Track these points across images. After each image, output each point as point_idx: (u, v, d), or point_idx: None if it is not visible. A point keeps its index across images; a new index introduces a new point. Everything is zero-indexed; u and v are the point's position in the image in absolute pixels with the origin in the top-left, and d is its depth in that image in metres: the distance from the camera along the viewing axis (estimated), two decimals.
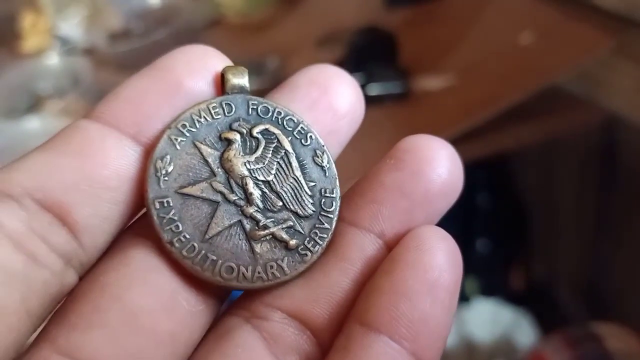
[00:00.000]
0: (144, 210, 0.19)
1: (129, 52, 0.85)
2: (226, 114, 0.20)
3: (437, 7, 0.81)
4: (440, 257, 0.19)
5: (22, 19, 0.95)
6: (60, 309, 0.18)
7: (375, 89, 0.65)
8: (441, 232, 0.19)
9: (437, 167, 0.20)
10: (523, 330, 0.82)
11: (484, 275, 0.91)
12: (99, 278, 0.18)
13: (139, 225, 0.20)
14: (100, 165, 0.18)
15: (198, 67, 0.20)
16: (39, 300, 0.17)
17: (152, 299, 0.18)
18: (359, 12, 0.83)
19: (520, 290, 0.94)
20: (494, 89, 0.64)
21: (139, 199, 0.19)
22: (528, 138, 0.73)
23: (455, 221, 0.84)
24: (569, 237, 0.90)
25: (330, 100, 0.21)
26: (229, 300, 0.21)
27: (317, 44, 0.78)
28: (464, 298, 0.88)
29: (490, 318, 0.84)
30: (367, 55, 0.69)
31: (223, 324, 0.20)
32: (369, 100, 0.74)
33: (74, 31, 0.91)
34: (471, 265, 0.91)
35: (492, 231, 0.91)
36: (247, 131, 0.21)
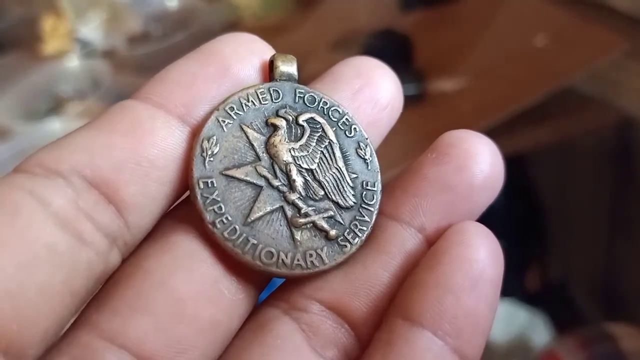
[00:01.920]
0: (185, 195, 0.20)
1: (148, 55, 0.85)
2: (273, 100, 0.21)
3: (452, 9, 0.81)
4: (483, 253, 0.19)
5: (42, 22, 0.96)
6: (99, 294, 0.18)
7: None
8: (483, 228, 0.19)
9: (480, 161, 0.20)
10: (538, 331, 0.81)
11: None
12: (141, 263, 0.18)
13: (180, 210, 0.20)
14: (149, 145, 0.18)
15: (245, 52, 0.20)
16: (82, 281, 0.17)
17: (195, 286, 0.18)
18: (374, 15, 0.84)
19: (536, 290, 0.93)
20: (509, 91, 0.64)
21: (185, 179, 0.19)
22: (543, 139, 0.73)
23: None
24: (584, 237, 0.89)
25: (372, 91, 0.21)
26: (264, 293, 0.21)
27: (333, 46, 0.78)
28: None
29: (505, 318, 0.84)
30: (382, 57, 0.69)
31: (262, 315, 0.20)
32: None
33: (94, 34, 0.92)
34: None
35: (507, 232, 0.91)
36: (293, 118, 0.21)
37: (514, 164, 0.97)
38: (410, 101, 0.73)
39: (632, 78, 0.65)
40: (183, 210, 0.20)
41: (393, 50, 0.71)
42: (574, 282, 0.93)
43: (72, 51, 0.91)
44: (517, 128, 0.64)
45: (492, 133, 0.66)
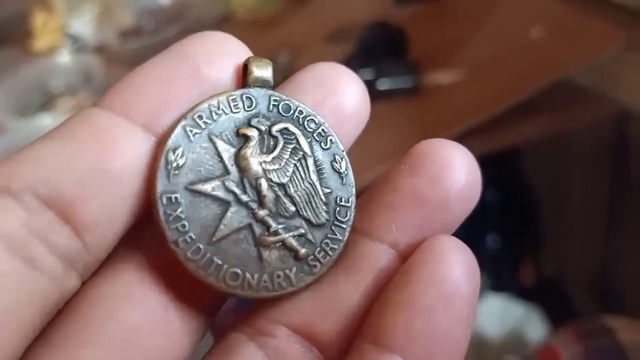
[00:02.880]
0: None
1: (140, 50, 0.85)
2: (246, 108, 0.19)
3: (447, 1, 0.81)
4: (457, 270, 0.17)
5: (33, 17, 0.95)
6: (47, 326, 0.16)
7: (385, 84, 0.65)
8: (457, 242, 0.18)
9: (456, 171, 0.18)
10: (533, 326, 0.82)
11: (494, 270, 0.91)
12: (87, 292, 0.17)
13: (130, 233, 0.18)
14: (110, 157, 0.17)
15: (218, 54, 0.19)
16: (34, 310, 0.15)
17: (143, 315, 0.17)
18: (368, 8, 0.83)
19: (531, 285, 0.93)
20: (505, 84, 0.63)
21: (148, 195, 0.18)
22: (539, 133, 0.73)
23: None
24: (580, 231, 0.89)
25: (337, 101, 0.20)
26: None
27: (327, 39, 0.78)
28: None
29: (500, 313, 0.84)
30: (377, 50, 0.69)
31: (226, 341, 0.18)
32: (379, 95, 0.74)
33: (85, 29, 0.92)
34: (481, 260, 0.90)
35: (502, 226, 0.91)
36: (266, 129, 0.19)
37: (509, 158, 0.98)
38: (405, 94, 0.73)
39: (629, 70, 0.65)
40: (133, 232, 0.18)
41: (388, 43, 0.71)
42: (568, 276, 0.93)
43: (64, 46, 0.91)
44: (513, 121, 0.64)
45: (487, 127, 0.65)
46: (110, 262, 0.18)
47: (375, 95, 0.66)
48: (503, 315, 0.84)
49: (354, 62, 0.68)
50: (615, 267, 0.84)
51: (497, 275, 0.91)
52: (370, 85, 0.66)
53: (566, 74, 0.65)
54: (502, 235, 0.91)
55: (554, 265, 0.96)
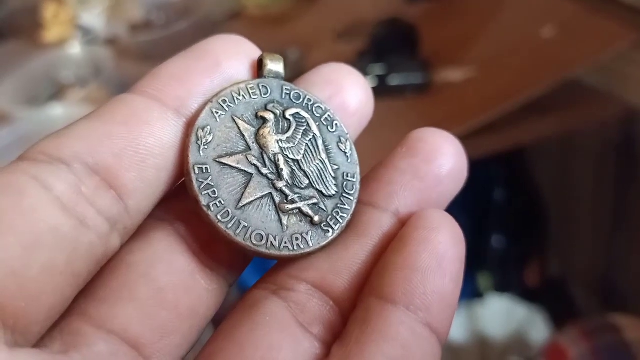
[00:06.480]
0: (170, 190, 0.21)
1: (150, 43, 0.86)
2: (262, 95, 0.22)
3: None
4: (445, 235, 0.20)
5: (44, 9, 0.96)
6: (87, 285, 0.19)
7: (396, 80, 0.66)
8: (444, 213, 0.21)
9: (447, 154, 0.22)
10: (537, 327, 0.82)
11: (498, 271, 0.91)
12: (124, 257, 0.20)
13: (160, 209, 0.21)
14: (146, 134, 0.19)
15: (235, 51, 0.22)
16: (84, 262, 0.18)
17: (174, 277, 0.20)
18: (379, 5, 0.83)
19: (535, 286, 0.93)
20: (514, 82, 0.64)
21: (180, 167, 0.20)
22: (546, 131, 0.73)
23: (471, 216, 0.84)
24: (585, 232, 0.89)
25: (342, 99, 0.23)
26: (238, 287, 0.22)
27: (337, 36, 0.78)
28: (478, 294, 0.88)
29: (504, 314, 0.84)
30: (388, 46, 0.69)
31: (251, 297, 0.21)
32: (390, 91, 0.73)
33: (96, 21, 0.92)
34: (486, 261, 0.90)
35: (508, 227, 0.91)
36: (280, 112, 0.22)
37: (515, 158, 0.97)
38: (415, 90, 0.73)
39: (637, 70, 0.65)
40: (162, 208, 0.21)
41: (399, 39, 0.71)
42: (573, 277, 0.93)
43: (74, 38, 0.92)
44: (520, 120, 0.65)
45: (495, 125, 0.65)
46: (144, 232, 0.20)
47: (386, 90, 0.67)
48: (507, 316, 0.84)
49: (365, 58, 0.68)
50: (620, 267, 0.84)
51: (502, 275, 0.91)
52: (381, 80, 0.67)
53: (576, 73, 0.65)
54: (507, 236, 0.91)
55: (558, 266, 0.96)
